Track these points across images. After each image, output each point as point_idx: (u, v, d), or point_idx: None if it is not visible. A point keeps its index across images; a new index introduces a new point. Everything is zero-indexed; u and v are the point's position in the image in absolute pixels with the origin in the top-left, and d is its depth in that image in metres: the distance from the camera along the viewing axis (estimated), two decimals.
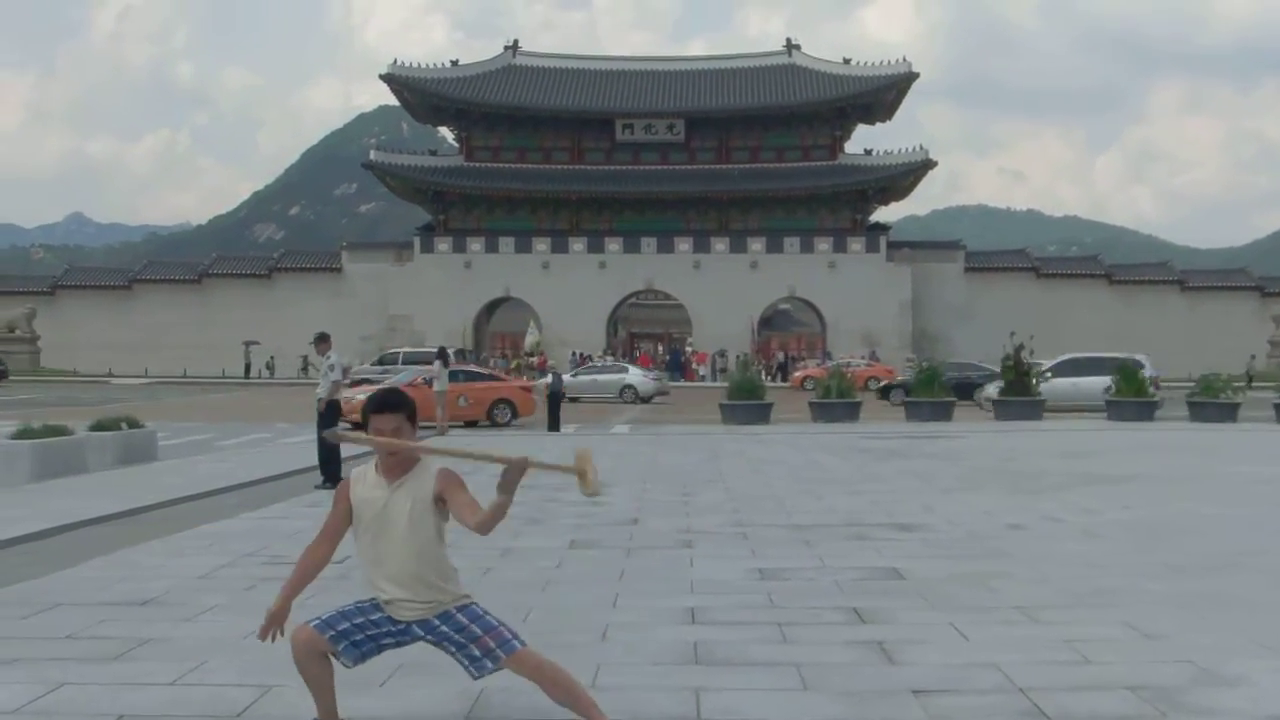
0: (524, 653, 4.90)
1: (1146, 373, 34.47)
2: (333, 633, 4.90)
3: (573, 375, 47.49)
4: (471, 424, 30.85)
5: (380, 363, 54.59)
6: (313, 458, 17.14)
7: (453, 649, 4.91)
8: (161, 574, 9.39)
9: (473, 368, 40.15)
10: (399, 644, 5.02)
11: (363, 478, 4.95)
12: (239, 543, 11.02)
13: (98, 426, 19.27)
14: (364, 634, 4.93)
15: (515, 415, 32.02)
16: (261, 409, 39.89)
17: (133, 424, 20.06)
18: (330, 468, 16.30)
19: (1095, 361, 36.52)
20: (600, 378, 48.79)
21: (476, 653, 4.85)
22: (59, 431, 17.85)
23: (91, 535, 11.66)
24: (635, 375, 48.90)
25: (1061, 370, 35.91)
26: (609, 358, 73.29)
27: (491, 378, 34.70)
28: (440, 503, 4.88)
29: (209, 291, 78.31)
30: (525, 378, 47.16)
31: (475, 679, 5.00)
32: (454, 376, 30.74)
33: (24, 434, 17.33)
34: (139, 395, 49.69)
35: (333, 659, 4.97)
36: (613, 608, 7.99)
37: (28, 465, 16.46)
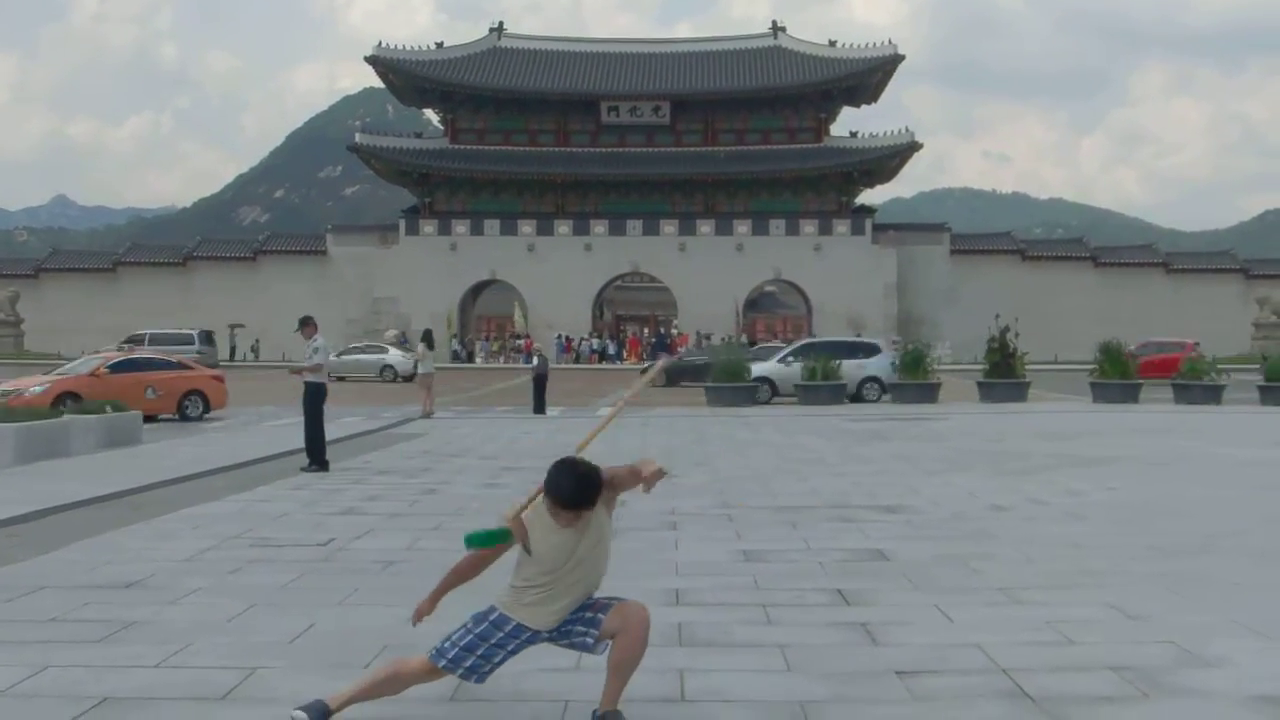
0: (634, 604, 5.03)
1: (885, 358, 34.06)
2: (461, 670, 5.00)
3: (337, 356, 49.06)
4: (151, 418, 25.18)
5: (129, 341, 53.63)
6: (298, 441, 17.12)
7: (570, 627, 5.01)
8: (146, 557, 9.38)
9: (160, 355, 33.15)
10: (519, 652, 5.11)
11: (539, 524, 4.92)
12: (224, 525, 11.00)
13: (82, 410, 19.24)
14: (490, 662, 5.01)
15: (208, 408, 27.77)
16: (246, 392, 39.79)
17: (117, 407, 20.02)
18: (316, 450, 16.30)
19: (836, 346, 35.56)
20: (362, 358, 53.26)
21: (590, 615, 4.99)
22: (43, 415, 17.82)
23: (76, 518, 11.65)
24: (394, 356, 52.45)
25: (802, 355, 34.51)
26: (595, 340, 73.44)
27: (181, 366, 29.20)
28: (609, 499, 4.99)
29: (193, 274, 77.96)
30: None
31: (592, 649, 5.05)
32: (140, 365, 28.06)
33: (7, 417, 17.29)
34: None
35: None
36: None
37: (11, 448, 16.43)
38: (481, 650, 4.97)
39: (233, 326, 72.42)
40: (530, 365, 30.80)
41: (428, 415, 27.15)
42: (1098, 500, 12.49)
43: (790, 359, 34.48)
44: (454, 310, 73.81)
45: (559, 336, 70.65)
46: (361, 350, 54.67)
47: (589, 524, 4.88)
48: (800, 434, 21.73)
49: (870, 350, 35.09)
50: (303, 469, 15.94)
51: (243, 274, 77.54)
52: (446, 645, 5.01)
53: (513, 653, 5.04)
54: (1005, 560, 9.03)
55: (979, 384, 33.56)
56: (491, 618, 5.01)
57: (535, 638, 5.02)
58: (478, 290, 78.01)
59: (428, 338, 29.99)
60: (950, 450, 18.33)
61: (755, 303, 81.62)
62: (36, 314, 73.02)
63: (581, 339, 72.96)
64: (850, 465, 16.29)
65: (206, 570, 8.83)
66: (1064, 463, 16.26)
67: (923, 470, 15.58)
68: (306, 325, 17.16)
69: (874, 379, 33.38)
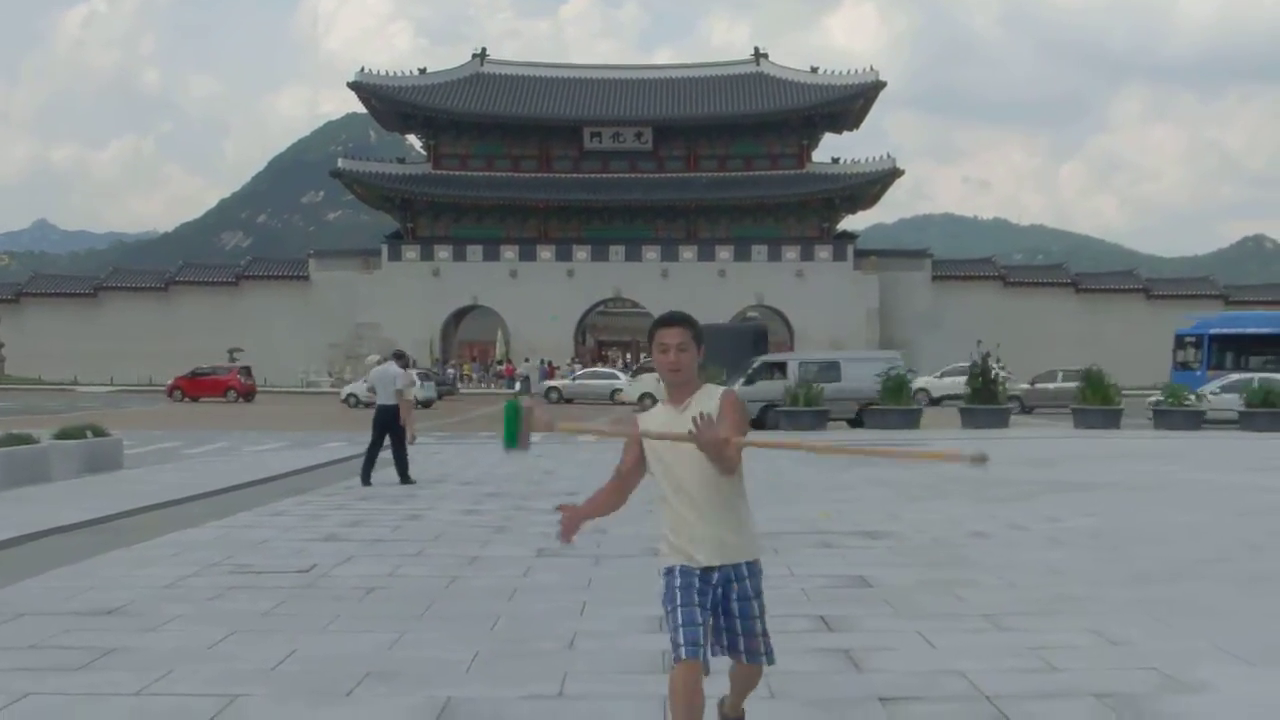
0: (758, 670, 4.97)
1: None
2: (686, 648, 4.64)
3: None
4: None
5: None
6: (278, 466, 17.13)
7: (724, 624, 4.75)
8: (126, 583, 9.31)
9: None
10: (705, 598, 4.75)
11: (649, 412, 4.80)
12: (205, 552, 10.93)
13: (63, 435, 19.11)
14: (705, 624, 4.70)
15: None
16: (229, 417, 39.68)
17: (98, 432, 19.89)
18: (369, 470, 17.60)
19: None
20: None
21: (741, 646, 4.81)
22: (23, 440, 17.70)
23: (56, 544, 11.56)
24: None
25: None
26: (577, 365, 73.45)
27: None
28: (735, 426, 4.62)
29: (176, 299, 77.82)
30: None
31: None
32: None
33: None
34: (104, 403, 49.33)
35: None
36: (580, 616, 7.97)
37: None
38: (694, 610, 4.66)
39: (231, 352, 72.23)
40: (512, 390, 30.60)
41: (411, 441, 26.99)
42: (1078, 526, 12.51)
43: None
44: (436, 336, 73.75)
45: (541, 361, 70.66)
46: None
47: (694, 410, 4.50)
48: (782, 460, 21.71)
49: None
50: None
51: (225, 299, 77.44)
52: (683, 637, 4.66)
53: (710, 605, 4.73)
54: (987, 586, 9.02)
55: (961, 410, 33.63)
56: (665, 582, 4.80)
57: (703, 576, 4.72)
58: (460, 315, 78.01)
59: (403, 360, 29.85)
60: (931, 476, 18.32)
61: None
62: (17, 339, 72.79)
63: (575, 365, 72.98)
64: (833, 491, 16.28)
65: (187, 597, 8.77)
66: (1045, 489, 16.29)
67: (904, 496, 15.58)
68: (399, 358, 18.98)
69: None
